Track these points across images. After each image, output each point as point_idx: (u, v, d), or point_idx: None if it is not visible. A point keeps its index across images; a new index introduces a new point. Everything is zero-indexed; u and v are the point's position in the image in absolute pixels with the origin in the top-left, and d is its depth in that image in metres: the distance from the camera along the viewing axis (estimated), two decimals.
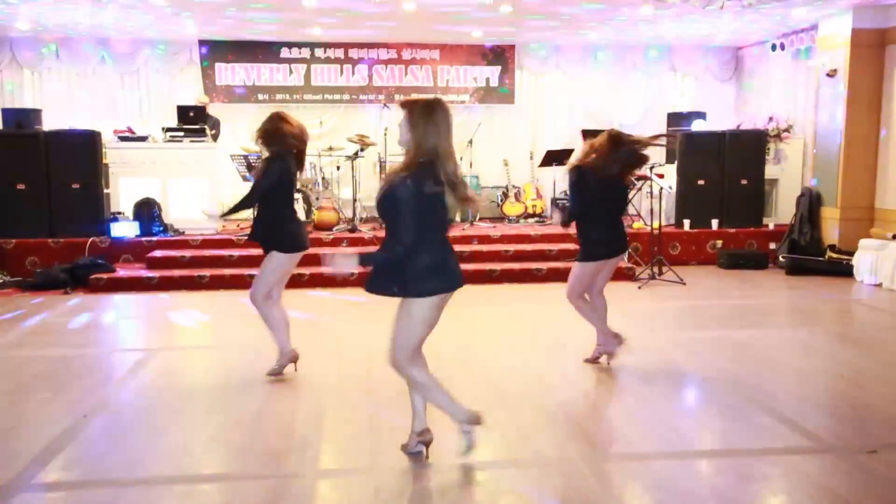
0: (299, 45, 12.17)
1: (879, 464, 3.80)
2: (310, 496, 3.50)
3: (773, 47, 11.66)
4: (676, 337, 6.38)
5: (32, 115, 10.33)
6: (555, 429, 4.32)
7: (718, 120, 12.44)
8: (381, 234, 9.19)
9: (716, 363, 5.65)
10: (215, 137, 10.88)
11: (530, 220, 11.64)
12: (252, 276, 8.62)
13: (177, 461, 3.92)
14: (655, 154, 12.36)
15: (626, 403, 4.73)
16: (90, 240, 9.43)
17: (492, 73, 12.66)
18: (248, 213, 10.58)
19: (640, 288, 8.59)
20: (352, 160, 10.67)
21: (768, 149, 11.06)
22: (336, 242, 9.71)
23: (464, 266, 9.64)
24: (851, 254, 9.34)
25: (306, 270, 8.57)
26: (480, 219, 11.71)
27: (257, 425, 4.39)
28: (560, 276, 8.90)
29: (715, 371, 5.45)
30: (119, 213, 10.02)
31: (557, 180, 11.68)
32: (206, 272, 8.79)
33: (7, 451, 4.01)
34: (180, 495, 3.53)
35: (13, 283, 8.86)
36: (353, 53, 12.34)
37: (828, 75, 10.11)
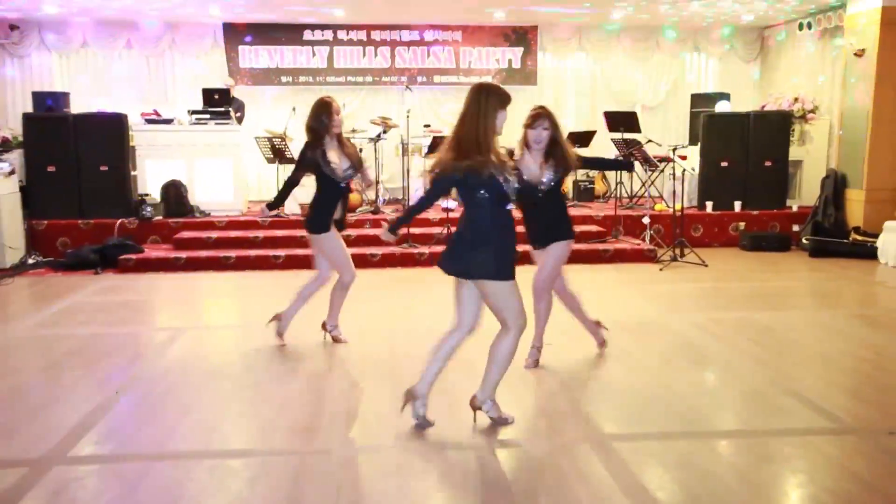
0: (322, 27, 12.17)
1: None
2: (335, 472, 3.55)
3: (801, 26, 11.46)
4: (698, 318, 6.35)
5: (61, 98, 10.44)
6: (576, 408, 4.34)
7: (742, 101, 12.30)
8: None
9: (737, 344, 5.63)
10: (240, 120, 10.93)
11: None
12: (276, 257, 8.74)
13: (205, 437, 4.00)
14: (679, 135, 12.31)
15: (647, 383, 4.73)
16: (119, 221, 9.56)
17: (514, 54, 12.59)
18: (271, 195, 10.71)
19: (661, 269, 8.55)
20: (374, 142, 10.69)
21: (793, 130, 10.91)
22: (359, 224, 9.76)
23: None
24: (876, 236, 9.22)
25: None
26: None
27: (283, 402, 4.45)
28: (581, 257, 8.89)
29: (736, 352, 5.44)
30: (146, 194, 10.13)
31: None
32: (232, 253, 8.88)
33: (43, 425, 4.11)
34: (209, 470, 3.60)
35: (45, 264, 9.01)
36: (376, 35, 12.32)
37: (856, 55, 9.93)
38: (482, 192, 3.71)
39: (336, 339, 5.59)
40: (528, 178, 4.67)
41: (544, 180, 4.72)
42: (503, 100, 3.75)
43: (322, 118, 5.17)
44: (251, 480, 3.46)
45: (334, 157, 5.19)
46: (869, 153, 9.80)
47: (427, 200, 3.97)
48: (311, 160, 5.18)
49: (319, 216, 5.26)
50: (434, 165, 3.82)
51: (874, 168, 9.80)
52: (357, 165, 5.29)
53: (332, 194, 5.27)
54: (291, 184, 5.36)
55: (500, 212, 3.77)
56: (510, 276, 3.81)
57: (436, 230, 9.28)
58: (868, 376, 4.98)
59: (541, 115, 4.66)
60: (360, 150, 11.18)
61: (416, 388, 3.99)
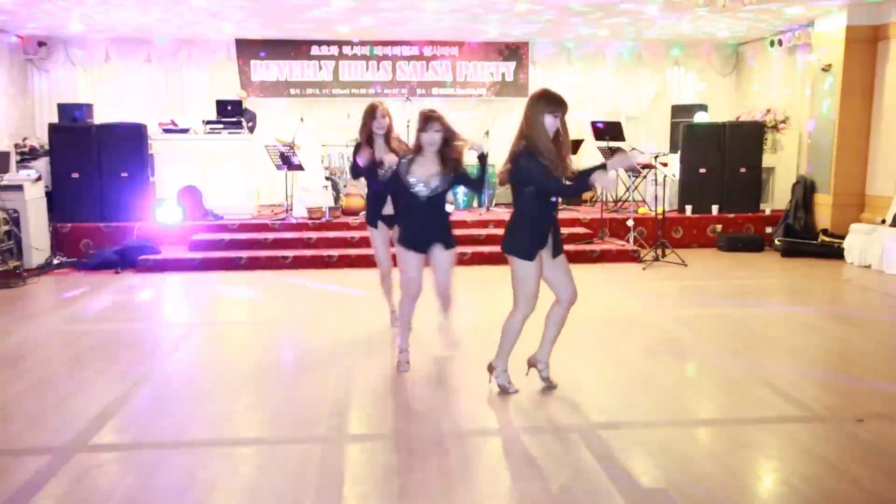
0: (328, 42, 12.14)
1: (866, 432, 3.78)
2: (339, 459, 3.54)
3: (772, 43, 11.46)
4: (679, 314, 6.34)
5: (85, 109, 10.41)
6: (566, 398, 4.32)
7: (719, 112, 12.29)
8: None
9: (715, 338, 5.61)
10: (252, 129, 10.90)
11: None
12: (284, 258, 8.71)
13: (218, 426, 3.98)
14: (660, 143, 12.30)
15: (632, 375, 4.72)
16: (138, 224, 9.52)
17: (507, 68, 12.55)
18: (281, 200, 10.69)
19: (644, 269, 8.53)
20: None
21: (766, 139, 10.91)
22: (363, 226, 9.70)
23: (480, 248, 9.71)
24: (843, 237, 9.23)
25: (333, 251, 8.57)
26: (496, 204, 11.67)
27: (291, 394, 4.44)
28: (570, 257, 8.84)
29: (714, 346, 5.42)
30: (164, 199, 10.09)
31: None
32: (244, 254, 8.85)
33: (65, 415, 4.09)
34: (221, 457, 3.58)
35: (69, 264, 8.97)
36: (378, 51, 12.30)
37: (823, 70, 9.93)
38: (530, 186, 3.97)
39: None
40: (417, 180, 4.51)
41: (432, 185, 4.53)
42: (550, 104, 3.98)
43: (366, 121, 5.27)
44: (261, 467, 3.44)
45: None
46: (835, 161, 9.80)
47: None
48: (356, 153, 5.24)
49: (368, 211, 5.45)
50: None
51: (840, 174, 9.80)
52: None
53: (376, 191, 5.28)
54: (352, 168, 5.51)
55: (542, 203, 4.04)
56: (519, 254, 4.05)
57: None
58: (836, 368, 4.97)
59: (432, 119, 4.50)
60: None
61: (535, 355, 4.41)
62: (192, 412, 4.16)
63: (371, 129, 5.26)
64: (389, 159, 4.75)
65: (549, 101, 4.00)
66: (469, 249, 8.76)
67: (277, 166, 10.26)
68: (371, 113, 5.26)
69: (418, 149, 4.58)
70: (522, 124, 4.05)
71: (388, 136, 5.29)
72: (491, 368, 4.37)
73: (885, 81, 9.45)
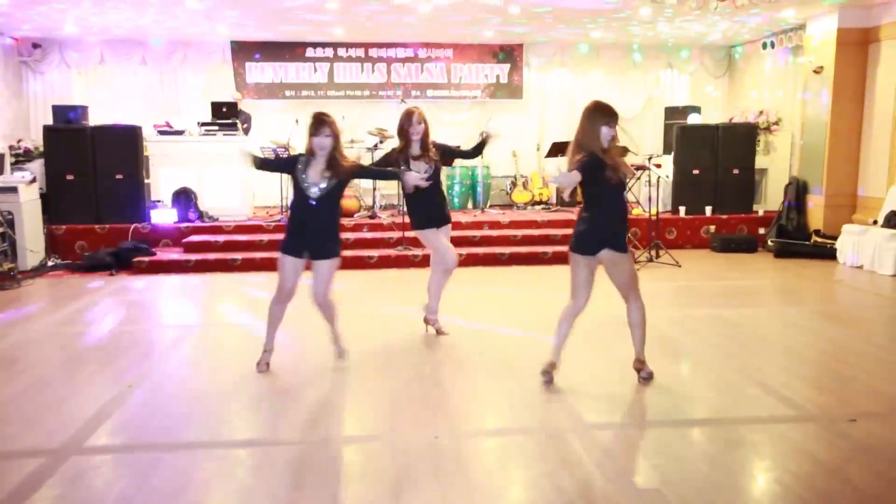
0: (323, 44, 12.13)
1: (858, 431, 3.79)
2: (335, 460, 3.53)
3: (764, 45, 11.51)
4: (672, 315, 6.36)
5: (80, 111, 10.38)
6: (559, 398, 4.33)
7: (712, 113, 12.34)
8: (399, 220, 9.23)
9: (708, 339, 5.63)
10: (247, 131, 10.88)
11: (537, 207, 11.59)
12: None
13: (214, 428, 3.97)
14: (655, 145, 12.33)
15: (626, 376, 4.72)
16: (133, 226, 9.50)
17: (501, 70, 12.58)
18: (276, 202, 10.68)
19: (638, 270, 8.50)
20: (372, 151, 10.67)
21: (758, 140, 10.96)
22: (357, 228, 9.73)
23: (475, 250, 9.71)
24: (835, 238, 9.27)
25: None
26: (491, 206, 11.69)
27: (286, 396, 4.43)
28: (564, 258, 8.87)
29: (707, 346, 5.44)
30: (158, 201, 10.08)
31: (562, 169, 11.60)
32: (239, 255, 8.84)
33: (61, 417, 4.07)
34: (217, 459, 3.57)
35: (64, 266, 8.95)
36: (373, 52, 12.30)
37: (815, 72, 9.98)
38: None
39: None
40: (310, 183, 4.51)
41: (318, 188, 4.53)
42: (605, 115, 4.22)
43: (402, 126, 5.34)
44: (256, 469, 3.44)
45: (412, 162, 5.32)
46: (827, 162, 9.85)
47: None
48: (394, 160, 5.36)
49: (410, 215, 5.55)
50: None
51: (832, 176, 9.85)
52: (431, 170, 5.35)
53: (414, 193, 5.28)
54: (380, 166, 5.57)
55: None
56: (573, 249, 4.46)
57: None
58: (828, 368, 4.99)
59: (324, 123, 4.51)
60: (359, 158, 11.19)
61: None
62: (187, 414, 4.15)
63: (409, 134, 5.33)
64: (418, 179, 4.98)
65: (605, 113, 4.24)
66: (464, 251, 8.76)
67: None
68: (404, 117, 5.35)
69: (311, 152, 4.57)
70: (579, 135, 4.30)
71: (424, 141, 5.38)
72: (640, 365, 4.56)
73: (875, 83, 9.50)
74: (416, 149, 5.35)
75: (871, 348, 5.43)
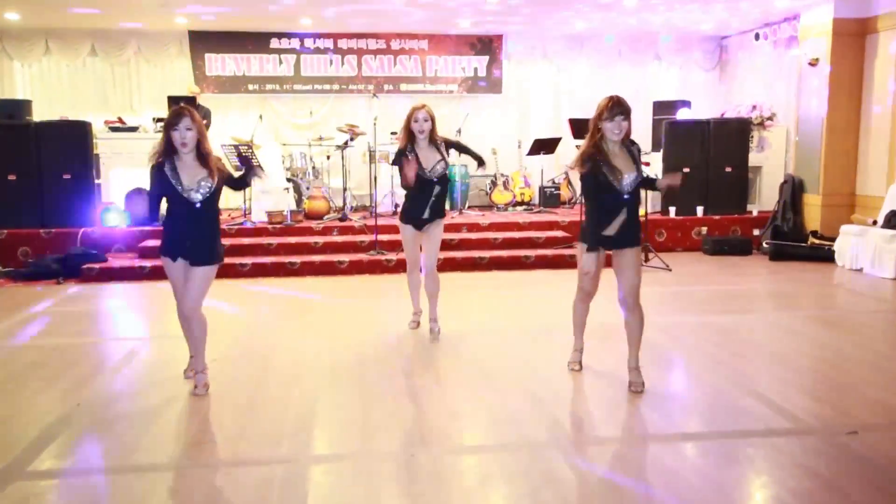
0: (289, 35, 12.08)
1: (859, 444, 3.83)
2: (302, 481, 3.50)
3: (756, 37, 11.66)
4: (662, 322, 6.39)
5: (23, 106, 10.22)
6: (542, 412, 4.32)
7: (703, 108, 12.45)
8: (371, 222, 9.20)
9: (700, 347, 5.67)
10: (207, 127, 10.76)
11: (518, 209, 11.62)
12: (242, 265, 8.63)
13: (170, 448, 3.91)
14: (643, 142, 12.42)
15: (613, 387, 4.74)
16: (82, 230, 9.37)
17: (479, 63, 12.62)
18: (239, 203, 10.59)
19: None
20: (342, 149, 10.63)
21: (752, 137, 11.07)
22: (327, 231, 9.68)
23: (452, 253, 9.70)
24: (833, 240, 9.39)
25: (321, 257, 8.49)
26: (469, 207, 11.70)
27: (250, 412, 4.38)
28: (548, 262, 8.93)
29: (698, 355, 5.48)
30: (110, 203, 9.94)
31: (545, 168, 11.68)
32: None
33: (1, 440, 3.99)
34: (174, 481, 3.52)
35: (5, 274, 8.79)
36: (343, 44, 12.27)
37: (810, 64, 10.12)
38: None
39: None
40: (188, 186, 4.40)
41: (203, 190, 4.42)
42: (610, 110, 4.69)
43: (408, 124, 5.57)
44: (215, 492, 3.39)
45: (422, 158, 5.58)
46: (824, 159, 9.98)
47: None
48: (398, 160, 5.64)
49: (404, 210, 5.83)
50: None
51: (830, 174, 9.98)
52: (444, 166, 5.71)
53: (412, 191, 5.66)
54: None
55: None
56: (584, 240, 4.67)
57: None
58: (825, 376, 5.04)
59: (181, 115, 4.45)
60: (328, 157, 11.17)
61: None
62: (141, 433, 4.08)
63: (413, 132, 5.58)
64: (411, 174, 5.47)
65: (610, 107, 4.77)
66: (441, 255, 8.72)
67: (235, 167, 10.17)
68: (409, 114, 5.59)
69: (172, 150, 4.42)
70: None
71: (431, 138, 5.65)
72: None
73: (873, 76, 9.65)
74: (423, 147, 5.64)
75: (871, 356, 5.50)
